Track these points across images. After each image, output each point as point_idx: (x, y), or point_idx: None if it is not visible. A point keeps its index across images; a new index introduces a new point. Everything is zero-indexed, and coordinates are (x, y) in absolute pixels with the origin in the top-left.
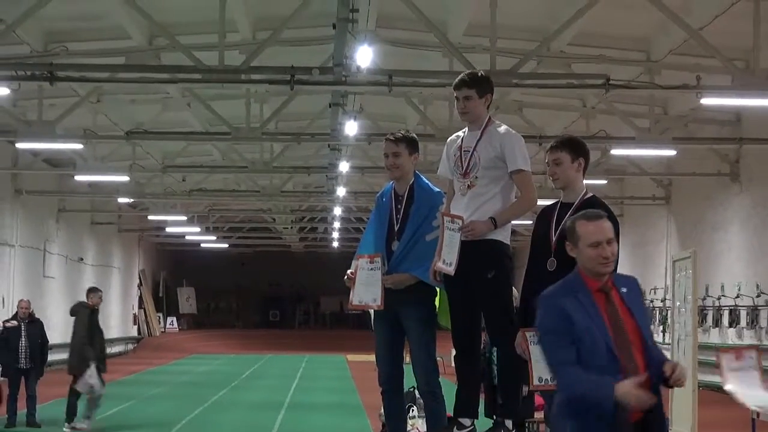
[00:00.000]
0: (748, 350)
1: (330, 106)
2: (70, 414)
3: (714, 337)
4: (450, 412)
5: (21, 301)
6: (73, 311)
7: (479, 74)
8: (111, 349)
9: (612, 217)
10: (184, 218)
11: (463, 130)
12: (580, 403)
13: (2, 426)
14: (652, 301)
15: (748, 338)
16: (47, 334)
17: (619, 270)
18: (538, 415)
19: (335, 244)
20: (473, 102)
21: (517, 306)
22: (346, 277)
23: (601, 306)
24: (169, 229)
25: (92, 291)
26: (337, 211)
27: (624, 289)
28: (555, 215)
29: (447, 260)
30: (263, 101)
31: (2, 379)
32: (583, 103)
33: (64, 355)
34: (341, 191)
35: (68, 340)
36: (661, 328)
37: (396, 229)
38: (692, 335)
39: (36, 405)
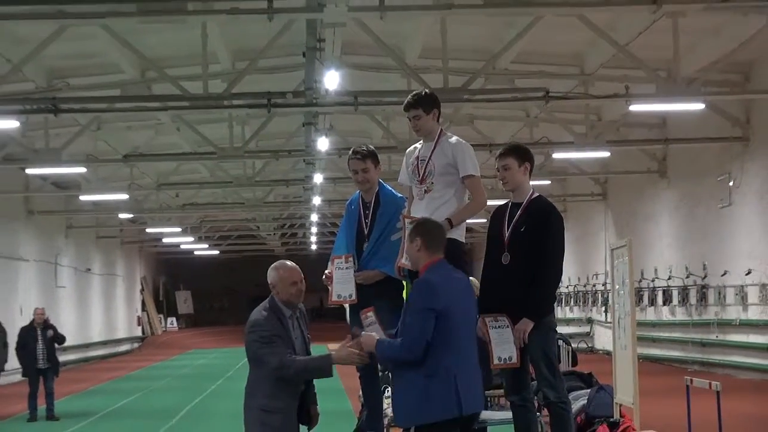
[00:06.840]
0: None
1: (303, 126)
2: None
3: (650, 314)
4: None
5: (36, 309)
6: None
7: (423, 93)
8: (119, 348)
9: (555, 213)
10: (179, 229)
11: (420, 141)
12: None
13: (25, 420)
14: (594, 286)
15: (680, 314)
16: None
17: (566, 261)
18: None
19: (313, 246)
20: (423, 120)
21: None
22: (324, 276)
23: None
24: (165, 240)
25: None
26: (314, 217)
27: None
28: (507, 214)
29: None
30: (244, 123)
31: (23, 378)
32: (527, 113)
33: (75, 356)
34: (317, 200)
35: (78, 342)
36: (603, 309)
37: (366, 232)
38: (631, 314)
39: (53, 401)
